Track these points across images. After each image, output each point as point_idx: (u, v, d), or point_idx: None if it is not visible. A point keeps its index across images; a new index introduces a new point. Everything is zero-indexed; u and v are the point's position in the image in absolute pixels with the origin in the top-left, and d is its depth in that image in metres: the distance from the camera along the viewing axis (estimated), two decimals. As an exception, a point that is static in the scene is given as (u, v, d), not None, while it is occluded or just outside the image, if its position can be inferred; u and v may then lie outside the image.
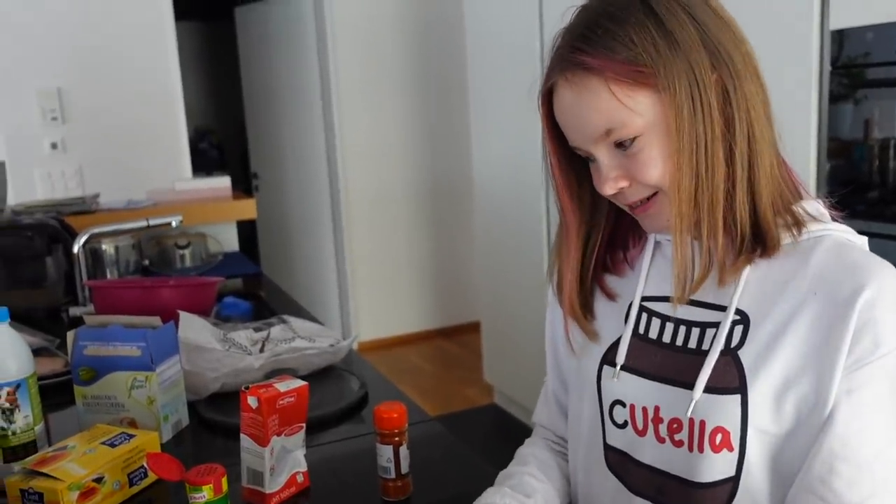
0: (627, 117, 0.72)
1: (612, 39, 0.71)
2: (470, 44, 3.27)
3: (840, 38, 1.69)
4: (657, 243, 0.84)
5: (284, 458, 0.95)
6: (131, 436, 1.01)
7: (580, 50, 0.73)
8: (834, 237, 0.75)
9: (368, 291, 4.42)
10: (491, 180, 3.24)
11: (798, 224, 0.75)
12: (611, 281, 0.87)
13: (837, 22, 1.68)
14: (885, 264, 0.71)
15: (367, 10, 4.18)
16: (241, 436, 0.94)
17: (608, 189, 0.76)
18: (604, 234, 0.85)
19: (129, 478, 0.97)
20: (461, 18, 3.37)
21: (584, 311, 0.86)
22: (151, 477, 1.00)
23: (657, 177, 0.74)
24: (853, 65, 1.67)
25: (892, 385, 0.68)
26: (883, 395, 0.68)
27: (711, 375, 0.74)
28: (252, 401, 0.91)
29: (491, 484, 0.88)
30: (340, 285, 4.47)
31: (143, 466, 0.99)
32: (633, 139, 0.73)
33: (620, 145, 0.74)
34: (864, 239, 0.77)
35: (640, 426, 0.80)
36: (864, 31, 1.63)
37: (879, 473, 0.69)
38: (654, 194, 0.76)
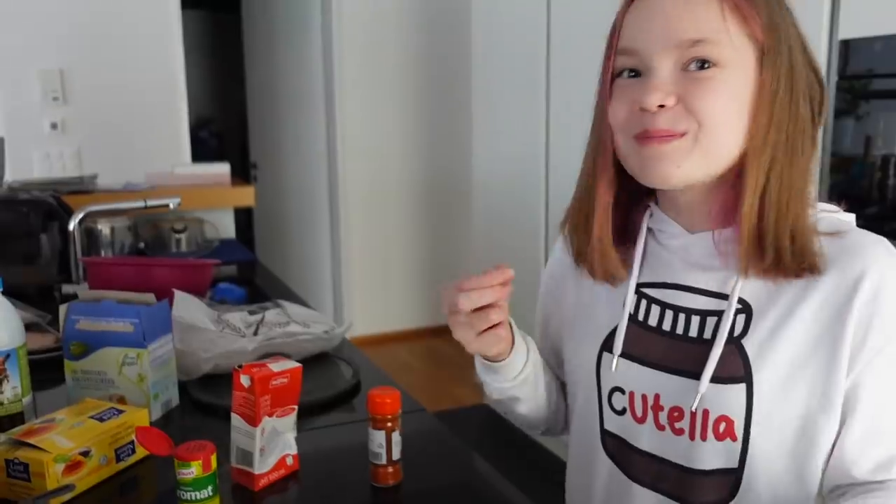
0: (724, 40, 0.69)
1: None
2: (476, 40, 3.26)
3: (846, 49, 1.68)
4: (650, 230, 0.83)
5: (275, 440, 0.94)
6: (121, 411, 0.99)
7: None
8: (826, 221, 0.74)
9: (362, 286, 4.41)
10: (491, 180, 3.23)
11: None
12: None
13: (847, 32, 1.68)
14: (881, 243, 0.71)
15: (374, 6, 4.18)
16: (232, 415, 0.92)
17: (655, 98, 0.70)
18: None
19: (116, 453, 0.96)
20: (468, 15, 3.36)
21: (616, 236, 0.82)
22: (139, 453, 0.99)
23: (709, 111, 0.70)
24: (858, 76, 1.67)
25: None
26: None
27: (716, 365, 0.73)
28: (245, 380, 0.90)
29: (483, 477, 0.87)
30: (334, 279, 4.45)
31: (130, 442, 0.98)
32: (714, 64, 0.70)
33: (697, 64, 0.70)
34: (852, 216, 0.77)
35: (639, 413, 0.79)
36: (873, 41, 1.62)
37: None
38: (684, 134, 0.71)
